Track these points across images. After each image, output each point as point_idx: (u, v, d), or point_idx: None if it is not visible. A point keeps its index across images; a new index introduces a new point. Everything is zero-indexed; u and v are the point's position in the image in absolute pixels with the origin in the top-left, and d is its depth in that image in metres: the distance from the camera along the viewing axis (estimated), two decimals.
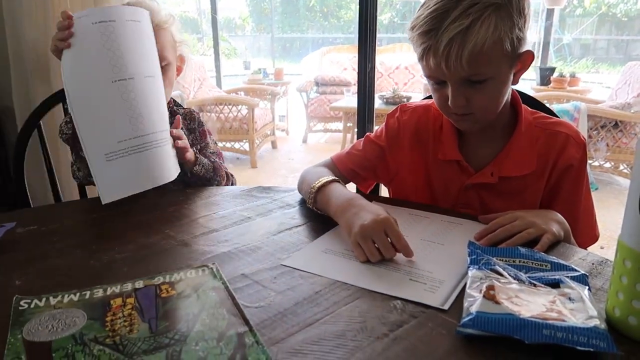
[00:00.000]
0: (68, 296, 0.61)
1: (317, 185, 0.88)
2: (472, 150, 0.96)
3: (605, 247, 2.48)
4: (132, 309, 0.58)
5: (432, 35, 0.80)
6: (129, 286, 0.63)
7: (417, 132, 1.01)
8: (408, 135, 1.02)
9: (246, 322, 0.55)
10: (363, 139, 1.08)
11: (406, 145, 1.02)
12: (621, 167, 3.64)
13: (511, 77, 0.86)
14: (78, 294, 0.61)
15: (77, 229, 0.86)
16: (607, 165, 3.63)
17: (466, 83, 0.83)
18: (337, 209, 0.82)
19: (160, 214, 0.93)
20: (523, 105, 0.95)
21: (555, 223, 0.81)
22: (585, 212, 0.94)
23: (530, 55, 0.86)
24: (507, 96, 0.90)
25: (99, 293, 0.62)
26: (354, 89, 4.86)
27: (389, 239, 0.72)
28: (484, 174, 0.94)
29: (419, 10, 0.84)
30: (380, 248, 0.72)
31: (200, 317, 0.56)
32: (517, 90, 1.03)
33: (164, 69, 1.08)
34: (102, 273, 0.69)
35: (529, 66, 0.88)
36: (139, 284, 0.64)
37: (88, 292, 0.62)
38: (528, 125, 0.93)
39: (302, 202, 0.98)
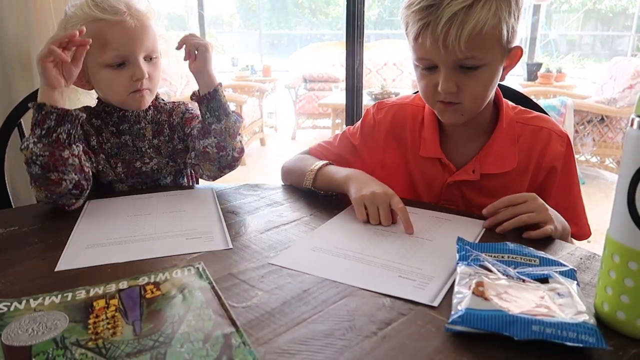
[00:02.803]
0: (49, 298, 0.59)
1: (315, 168, 0.96)
2: (453, 147, 0.96)
3: (592, 241, 2.50)
4: (115, 311, 0.56)
5: (432, 11, 0.79)
6: (112, 287, 0.62)
7: (394, 130, 1.01)
8: (384, 133, 1.02)
9: (233, 322, 0.54)
10: (340, 133, 1.09)
11: (382, 143, 1.02)
12: (607, 162, 3.68)
13: (501, 70, 0.86)
14: (60, 296, 0.60)
15: (59, 230, 0.84)
16: (594, 159, 3.67)
17: (459, 69, 0.82)
18: (346, 177, 0.90)
19: None
20: (504, 101, 0.95)
21: (557, 220, 0.80)
22: (579, 209, 0.94)
23: (519, 51, 0.86)
24: (493, 92, 0.90)
25: (81, 295, 0.60)
26: (343, 85, 4.85)
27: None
28: (466, 171, 0.93)
29: None
30: (382, 215, 0.81)
31: (186, 318, 0.55)
32: (505, 86, 1.03)
33: (156, 61, 1.05)
34: (85, 274, 0.67)
35: (517, 62, 0.88)
36: (123, 284, 0.62)
37: (70, 294, 0.60)
38: (509, 121, 0.93)
39: (291, 199, 0.97)
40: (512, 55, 0.86)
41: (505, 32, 0.80)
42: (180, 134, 1.12)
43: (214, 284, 0.62)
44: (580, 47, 10.71)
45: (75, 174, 0.90)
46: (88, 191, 0.93)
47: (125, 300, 0.59)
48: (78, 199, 0.92)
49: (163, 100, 1.17)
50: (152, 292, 0.60)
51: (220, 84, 1.01)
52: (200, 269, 0.66)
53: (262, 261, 0.71)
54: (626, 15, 9.67)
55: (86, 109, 1.09)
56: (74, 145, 0.92)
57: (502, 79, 0.89)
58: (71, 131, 0.91)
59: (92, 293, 0.60)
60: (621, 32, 9.75)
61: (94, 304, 0.58)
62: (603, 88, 3.88)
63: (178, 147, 1.12)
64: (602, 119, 3.52)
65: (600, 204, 3.20)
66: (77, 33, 0.89)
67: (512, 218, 0.78)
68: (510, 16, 0.80)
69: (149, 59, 1.03)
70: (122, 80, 1.01)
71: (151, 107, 1.12)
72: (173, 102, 1.18)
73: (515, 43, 0.85)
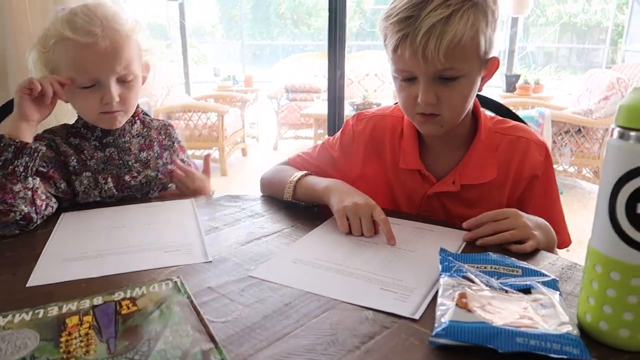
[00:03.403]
0: (19, 315, 0.57)
1: (294, 179, 0.95)
2: (433, 158, 0.96)
3: (572, 250, 2.53)
4: (89, 328, 0.54)
5: (410, 23, 0.79)
6: (86, 303, 0.59)
7: (373, 141, 1.01)
8: (363, 144, 1.01)
9: (212, 338, 0.52)
10: (320, 144, 1.08)
11: (361, 154, 1.01)
12: (584, 172, 3.74)
13: (479, 81, 0.87)
14: (30, 313, 0.57)
15: (32, 242, 0.81)
16: (571, 169, 3.73)
17: (438, 80, 0.82)
18: (326, 188, 0.89)
19: None
20: (482, 112, 0.96)
21: (542, 232, 0.80)
22: (559, 217, 0.95)
23: (496, 62, 0.87)
24: (471, 103, 0.90)
25: (53, 311, 0.58)
26: (325, 95, 4.87)
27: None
28: (446, 182, 0.93)
29: (394, 2, 0.84)
30: (365, 226, 0.81)
31: (163, 334, 0.53)
32: (487, 97, 1.04)
33: (131, 84, 1.02)
34: (58, 289, 0.65)
35: (494, 73, 0.89)
36: (98, 300, 0.60)
37: (42, 311, 0.58)
38: (488, 131, 0.94)
39: (272, 210, 0.96)
40: (489, 66, 0.87)
41: (482, 43, 0.81)
42: (173, 157, 1.15)
43: (193, 299, 0.60)
44: (557, 60, 10.96)
45: (26, 207, 0.87)
46: (36, 224, 0.89)
47: (99, 317, 0.57)
48: (24, 230, 0.88)
49: (148, 115, 1.16)
50: (128, 308, 0.58)
51: None
52: (179, 283, 0.64)
53: (243, 274, 0.69)
54: (600, 28, 9.95)
55: (64, 127, 1.07)
56: (29, 178, 0.90)
57: (480, 89, 0.90)
58: (29, 164, 0.89)
59: (64, 309, 0.58)
60: (596, 45, 10.02)
61: (67, 320, 0.56)
62: (579, 99, 3.96)
63: (169, 166, 1.12)
64: (579, 129, 3.58)
65: (579, 214, 3.25)
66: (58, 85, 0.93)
67: (494, 234, 0.78)
68: (488, 27, 0.81)
69: (123, 80, 1.00)
70: (92, 101, 0.99)
71: (137, 121, 1.11)
72: (158, 119, 1.19)
73: (493, 54, 0.86)
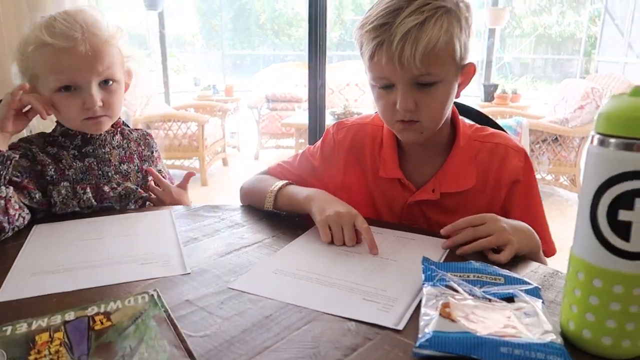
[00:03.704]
0: None
1: (275, 188, 0.94)
2: (413, 167, 0.96)
3: (552, 257, 2.57)
4: (60, 345, 0.52)
5: (386, 29, 0.79)
6: (57, 319, 0.57)
7: (353, 150, 1.01)
8: (343, 153, 1.01)
9: (189, 354, 0.51)
10: (300, 153, 1.07)
11: (342, 163, 1.01)
12: (562, 180, 3.81)
13: (456, 87, 0.87)
14: None
15: (1, 254, 0.78)
16: (549, 177, 3.80)
17: (415, 86, 0.83)
18: (307, 197, 0.88)
19: None
20: (461, 120, 0.96)
21: (524, 237, 0.80)
22: (543, 225, 0.94)
23: (472, 68, 0.88)
24: (450, 109, 0.90)
25: (22, 328, 0.55)
26: (305, 105, 4.87)
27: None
28: (426, 190, 0.93)
29: (368, 11, 0.84)
30: (347, 235, 0.81)
31: (138, 350, 0.51)
32: (466, 105, 1.04)
33: (113, 88, 1.00)
34: (29, 305, 0.62)
35: (471, 79, 0.90)
36: (70, 315, 0.58)
37: (9, 328, 0.55)
38: (467, 139, 0.94)
39: (252, 221, 0.94)
40: (465, 72, 0.87)
41: (458, 48, 0.82)
42: (152, 167, 1.14)
43: (170, 312, 0.58)
44: (533, 70, 11.20)
45: None
46: (7, 234, 0.86)
47: (71, 333, 0.54)
48: None
49: (128, 126, 1.14)
50: (102, 323, 0.56)
51: None
52: (155, 297, 0.62)
53: (222, 286, 0.67)
54: (574, 40, 10.20)
55: (41, 136, 1.04)
56: (2, 187, 0.87)
57: (458, 96, 0.90)
58: (1, 172, 0.87)
59: (34, 326, 0.56)
60: (570, 56, 10.27)
61: (36, 338, 0.53)
62: (555, 109, 4.04)
63: (149, 177, 1.12)
64: (556, 138, 3.65)
65: (557, 221, 3.30)
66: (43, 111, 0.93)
67: (472, 240, 0.78)
68: (462, 33, 0.82)
69: (104, 84, 0.98)
70: (74, 106, 0.97)
71: (118, 132, 1.09)
72: (136, 129, 1.17)
73: (469, 59, 0.86)
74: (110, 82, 0.99)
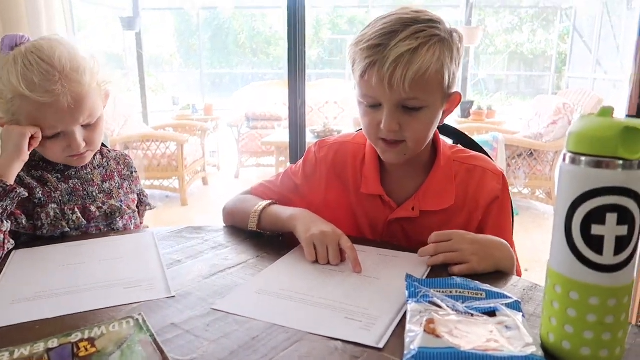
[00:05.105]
0: None
1: (259, 208, 0.95)
2: (394, 184, 0.98)
3: (530, 269, 2.61)
4: None
5: (379, 50, 0.80)
6: (40, 346, 0.56)
7: (335, 168, 1.02)
8: (325, 171, 1.02)
9: None
10: (282, 172, 1.09)
11: (324, 181, 1.02)
12: (538, 193, 3.89)
13: (441, 114, 0.89)
14: None
15: None
16: (526, 191, 3.88)
17: (401, 108, 0.84)
18: (292, 217, 0.89)
19: None
20: (442, 140, 0.98)
21: (490, 258, 0.80)
22: (512, 246, 0.95)
23: (458, 97, 0.90)
24: (433, 133, 0.92)
25: (4, 357, 0.54)
26: (285, 123, 4.89)
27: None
28: (405, 208, 0.95)
29: (365, 29, 0.86)
30: (331, 254, 0.81)
31: None
32: (446, 124, 1.06)
33: (95, 125, 0.99)
34: (10, 333, 0.61)
35: (456, 107, 0.92)
36: (53, 342, 0.57)
37: None
38: (447, 159, 0.96)
39: (236, 241, 0.94)
40: (451, 100, 0.89)
41: (447, 77, 0.84)
42: (132, 186, 1.15)
43: (156, 337, 0.58)
44: (507, 86, 11.48)
45: None
46: None
47: None
48: None
49: (106, 146, 1.15)
50: (86, 350, 0.55)
51: None
52: (140, 321, 0.62)
53: (207, 308, 0.67)
54: (545, 57, 10.51)
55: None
56: (4, 221, 0.88)
57: (441, 122, 0.92)
58: (8, 208, 0.89)
59: (16, 355, 0.55)
60: (542, 72, 10.56)
61: None
62: (529, 124, 4.14)
63: (130, 196, 1.13)
64: (531, 152, 3.74)
65: (535, 233, 3.36)
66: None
67: (436, 254, 0.81)
68: (452, 63, 0.84)
69: (88, 125, 0.98)
70: (58, 147, 0.98)
71: (98, 152, 1.10)
72: (115, 150, 1.17)
73: (455, 89, 0.89)
74: (93, 122, 0.99)
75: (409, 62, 0.79)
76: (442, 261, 0.80)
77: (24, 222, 0.95)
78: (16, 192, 0.89)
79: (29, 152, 0.94)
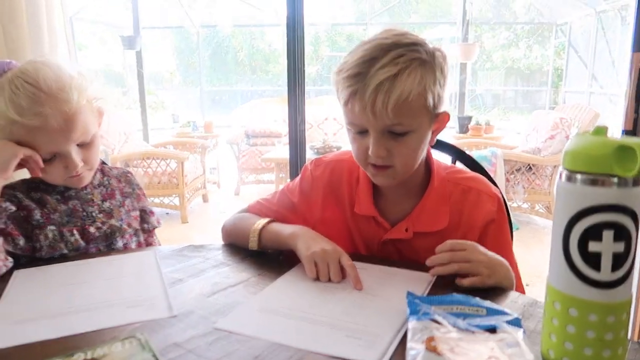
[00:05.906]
0: None
1: (259, 227, 0.95)
2: (388, 205, 0.98)
3: (530, 285, 2.60)
4: None
5: (360, 79, 0.81)
6: None
7: (331, 186, 1.02)
8: (322, 189, 1.03)
9: None
10: (279, 190, 1.09)
11: (320, 199, 1.02)
12: (537, 207, 3.90)
13: (430, 134, 0.89)
14: None
15: None
16: (525, 206, 3.88)
17: (388, 134, 0.84)
18: (292, 234, 0.90)
19: None
20: (435, 161, 0.98)
21: (500, 270, 0.81)
22: (514, 269, 0.92)
23: (446, 116, 0.90)
24: (423, 155, 0.92)
25: None
26: (285, 139, 4.92)
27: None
28: (399, 229, 0.95)
29: (346, 57, 0.85)
30: (332, 271, 0.82)
31: None
32: (440, 140, 1.07)
33: (91, 143, 1.00)
34: (11, 354, 0.61)
35: (445, 126, 0.91)
36: None
37: None
38: (441, 181, 0.96)
39: (237, 260, 0.95)
40: (439, 119, 0.89)
41: (430, 99, 0.83)
42: (135, 203, 1.14)
43: (158, 357, 0.58)
44: (504, 101, 11.55)
45: None
46: None
47: None
48: None
49: (107, 164, 1.15)
50: None
51: None
52: (143, 341, 0.62)
53: (209, 327, 0.67)
54: (542, 72, 10.60)
55: (24, 182, 1.04)
56: None
57: (432, 142, 0.92)
58: None
59: None
60: (539, 87, 10.64)
61: None
62: (527, 138, 4.17)
63: (132, 214, 1.11)
64: (530, 167, 3.76)
65: (535, 248, 3.36)
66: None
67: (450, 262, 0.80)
68: (436, 84, 0.83)
69: (82, 144, 0.99)
70: (56, 169, 0.98)
71: (98, 171, 1.10)
72: (116, 167, 1.17)
73: (443, 108, 0.88)
74: (88, 140, 0.99)
75: (389, 89, 0.79)
76: (456, 270, 0.79)
77: (21, 243, 0.95)
78: (1, 206, 0.88)
79: (30, 177, 0.94)
